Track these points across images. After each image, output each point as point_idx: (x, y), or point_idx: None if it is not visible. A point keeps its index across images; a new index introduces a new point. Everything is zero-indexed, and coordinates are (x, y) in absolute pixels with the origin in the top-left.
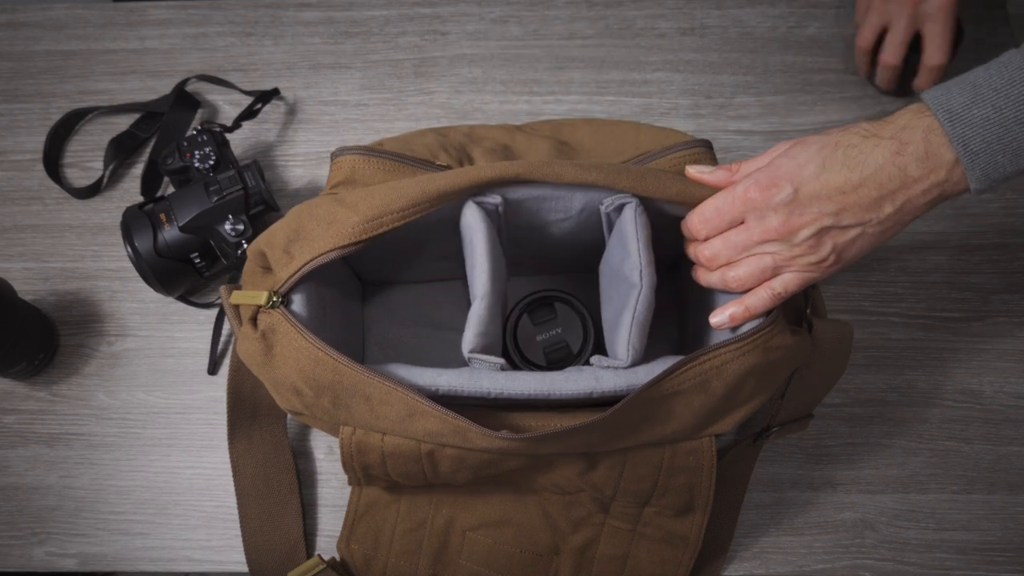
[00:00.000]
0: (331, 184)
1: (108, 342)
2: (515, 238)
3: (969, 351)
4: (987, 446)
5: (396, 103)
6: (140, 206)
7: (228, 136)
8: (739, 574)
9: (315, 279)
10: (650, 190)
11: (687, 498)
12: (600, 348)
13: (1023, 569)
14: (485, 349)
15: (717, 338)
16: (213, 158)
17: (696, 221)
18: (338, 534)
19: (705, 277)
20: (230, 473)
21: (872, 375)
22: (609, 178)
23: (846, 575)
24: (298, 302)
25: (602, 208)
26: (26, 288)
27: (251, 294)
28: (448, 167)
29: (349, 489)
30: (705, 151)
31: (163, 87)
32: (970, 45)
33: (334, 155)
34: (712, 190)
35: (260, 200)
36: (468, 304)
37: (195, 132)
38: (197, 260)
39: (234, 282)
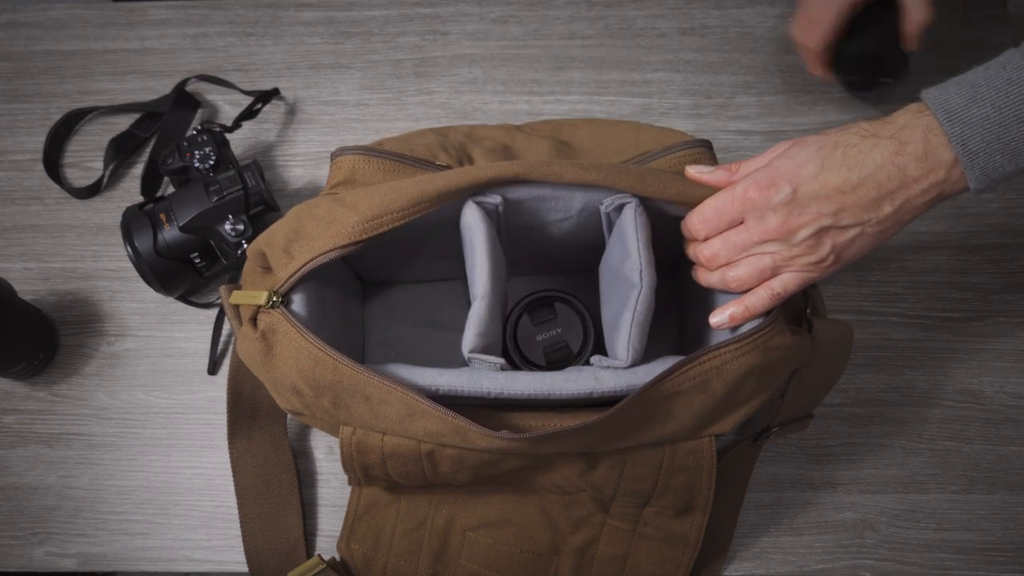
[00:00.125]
0: (331, 184)
1: (108, 342)
2: (515, 238)
3: (969, 351)
4: (987, 446)
5: (396, 103)
6: (140, 206)
7: (228, 136)
8: (739, 574)
9: (315, 279)
10: (650, 190)
11: (687, 498)
12: (600, 348)
13: (1023, 569)
14: (485, 349)
15: (717, 338)
16: (213, 158)
17: (696, 221)
18: (338, 534)
19: (705, 277)
20: (230, 473)
21: (872, 375)
22: (609, 178)
23: (846, 575)
24: (298, 302)
25: (602, 208)
26: (26, 288)
27: (251, 294)
28: (448, 167)
29: (349, 489)
30: (705, 151)
31: (163, 87)
32: (970, 45)
33: (334, 155)
34: (712, 190)
35: (260, 200)
36: (468, 304)
37: (195, 132)
38: (197, 260)
39: (234, 282)
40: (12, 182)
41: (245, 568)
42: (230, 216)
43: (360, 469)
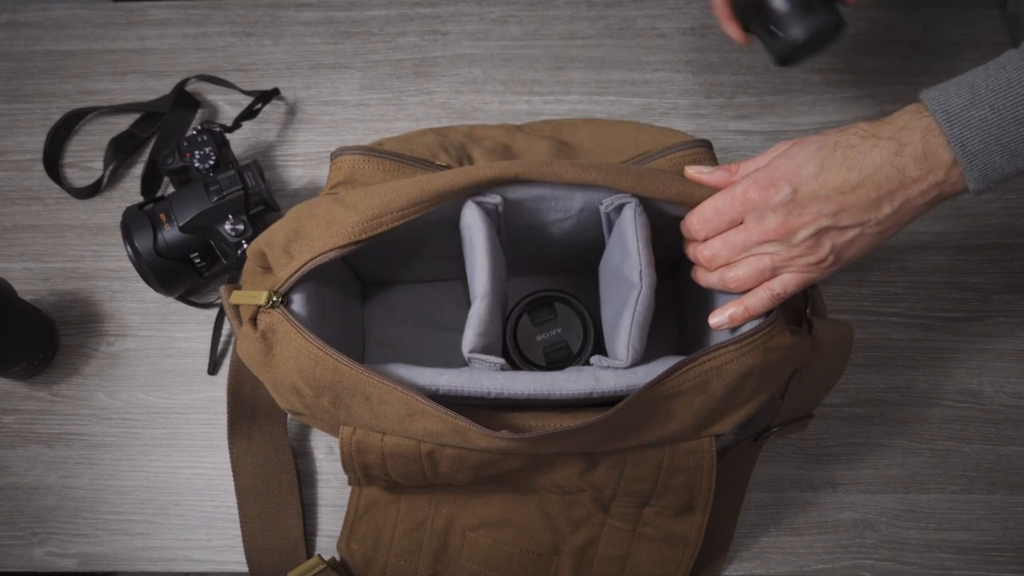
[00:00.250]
0: (331, 184)
1: (108, 342)
2: (515, 238)
3: (969, 351)
4: (987, 446)
5: (396, 103)
6: (140, 206)
7: (228, 136)
8: (739, 574)
9: (315, 279)
10: (650, 190)
11: (687, 498)
12: (600, 348)
13: (1023, 569)
14: (485, 349)
15: (717, 338)
16: (213, 158)
17: (695, 221)
18: (338, 534)
19: (704, 277)
20: (230, 473)
21: (872, 375)
22: (609, 178)
23: (846, 575)
24: (298, 302)
25: (602, 208)
26: (26, 288)
27: (251, 294)
28: (448, 167)
29: (349, 489)
30: (705, 151)
31: (163, 87)
32: (970, 45)
33: (334, 155)
34: (711, 190)
35: (260, 200)
36: (468, 304)
37: (195, 132)
38: (197, 260)
39: (234, 282)
40: (12, 182)
41: (245, 568)
42: (230, 216)
43: (360, 469)
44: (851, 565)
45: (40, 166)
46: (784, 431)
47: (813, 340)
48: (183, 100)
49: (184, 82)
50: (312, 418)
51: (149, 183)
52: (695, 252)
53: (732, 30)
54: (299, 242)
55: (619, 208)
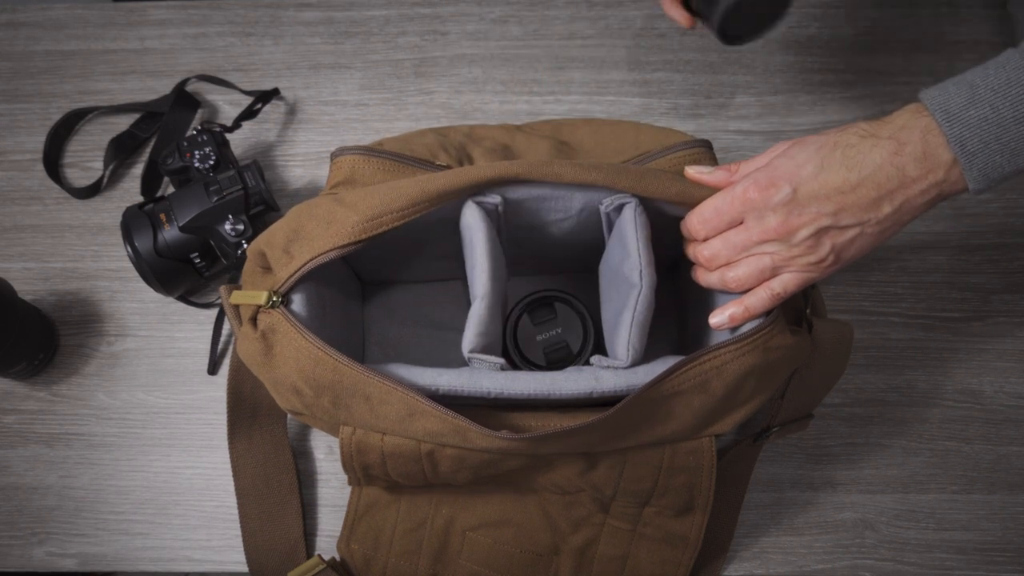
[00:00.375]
0: (331, 184)
1: (108, 342)
2: (515, 238)
3: (969, 351)
4: (987, 446)
5: (396, 103)
6: (140, 206)
7: (228, 136)
8: (739, 574)
9: (315, 279)
10: (650, 190)
11: (687, 498)
12: (600, 348)
13: (1023, 569)
14: (485, 349)
15: (717, 338)
16: (213, 158)
17: (695, 221)
18: (338, 534)
19: (704, 277)
20: (230, 473)
21: (872, 375)
22: (609, 178)
23: (846, 575)
24: (298, 302)
25: (602, 208)
26: (26, 288)
27: (251, 294)
28: (448, 167)
29: (349, 489)
30: (705, 151)
31: (163, 87)
32: (970, 45)
33: (334, 155)
34: (711, 190)
35: (260, 200)
36: (468, 304)
37: (195, 132)
38: (197, 260)
39: (234, 282)
40: (12, 182)
41: (245, 568)
42: (230, 216)
43: (360, 469)
44: (851, 565)
45: (40, 166)
46: (784, 431)
47: (813, 340)
48: (183, 100)
49: (184, 82)
50: (312, 418)
51: (149, 183)
52: (695, 252)
53: (676, 13)
54: (299, 242)
55: (619, 208)
